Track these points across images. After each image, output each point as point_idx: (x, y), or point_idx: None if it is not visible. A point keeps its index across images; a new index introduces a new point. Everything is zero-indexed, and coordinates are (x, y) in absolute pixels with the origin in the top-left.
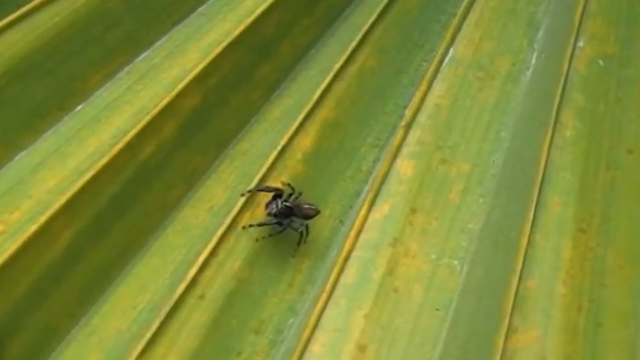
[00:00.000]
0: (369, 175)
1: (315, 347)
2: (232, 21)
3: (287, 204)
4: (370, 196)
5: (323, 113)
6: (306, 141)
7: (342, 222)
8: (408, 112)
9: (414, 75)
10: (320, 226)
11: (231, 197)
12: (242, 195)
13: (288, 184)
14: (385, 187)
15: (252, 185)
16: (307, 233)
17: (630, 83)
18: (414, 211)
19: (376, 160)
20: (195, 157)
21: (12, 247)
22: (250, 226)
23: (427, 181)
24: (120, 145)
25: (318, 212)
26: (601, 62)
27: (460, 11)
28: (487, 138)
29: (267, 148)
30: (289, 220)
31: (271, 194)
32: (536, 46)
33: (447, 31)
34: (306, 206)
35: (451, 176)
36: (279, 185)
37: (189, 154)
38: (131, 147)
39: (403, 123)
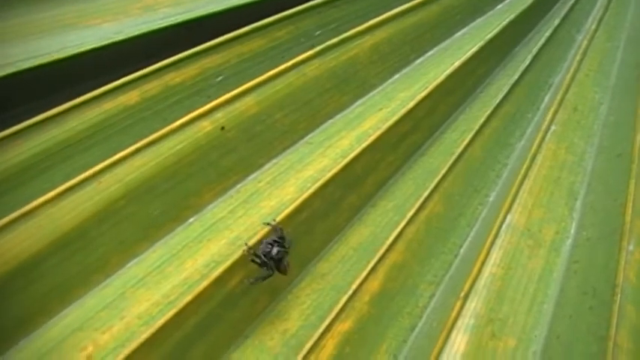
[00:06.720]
0: (424, 311)
1: None
2: (329, 158)
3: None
4: None
5: (392, 257)
6: (374, 284)
7: (395, 357)
8: (467, 282)
9: (471, 217)
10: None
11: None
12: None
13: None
14: None
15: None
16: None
17: None
18: None
19: (432, 296)
20: (279, 277)
21: None
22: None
23: (478, 358)
24: (206, 283)
25: None
26: None
27: (518, 179)
28: (532, 310)
29: (342, 278)
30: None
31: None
32: (574, 215)
33: (503, 197)
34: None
35: (499, 352)
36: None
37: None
38: (218, 281)
39: (462, 294)
